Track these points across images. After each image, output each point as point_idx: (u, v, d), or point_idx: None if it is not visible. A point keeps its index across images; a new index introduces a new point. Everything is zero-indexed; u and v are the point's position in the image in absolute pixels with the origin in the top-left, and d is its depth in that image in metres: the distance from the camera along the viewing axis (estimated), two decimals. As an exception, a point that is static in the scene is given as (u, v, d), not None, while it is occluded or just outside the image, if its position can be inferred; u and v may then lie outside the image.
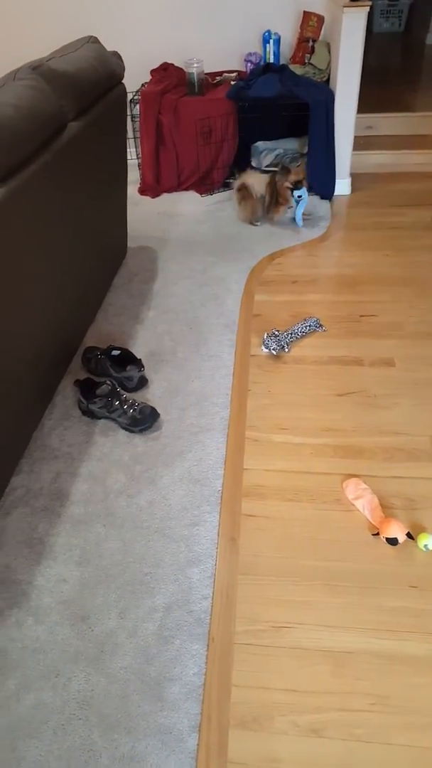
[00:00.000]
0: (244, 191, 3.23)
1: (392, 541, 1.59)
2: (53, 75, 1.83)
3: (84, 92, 1.98)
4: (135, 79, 3.72)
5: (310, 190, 3.45)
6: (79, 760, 1.22)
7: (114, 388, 2.01)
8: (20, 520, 1.71)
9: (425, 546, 1.57)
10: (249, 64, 3.65)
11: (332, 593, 1.50)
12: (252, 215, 3.26)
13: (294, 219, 3.24)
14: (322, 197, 3.51)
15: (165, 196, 3.71)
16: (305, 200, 3.15)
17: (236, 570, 1.56)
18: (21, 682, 1.35)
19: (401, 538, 1.58)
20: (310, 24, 3.51)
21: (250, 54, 3.65)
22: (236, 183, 3.31)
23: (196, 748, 1.23)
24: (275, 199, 3.18)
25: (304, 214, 3.25)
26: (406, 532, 1.58)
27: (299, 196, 3.12)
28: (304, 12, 3.48)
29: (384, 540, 1.60)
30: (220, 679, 1.34)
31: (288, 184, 3.10)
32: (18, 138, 1.54)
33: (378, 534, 1.61)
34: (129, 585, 1.53)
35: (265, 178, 3.22)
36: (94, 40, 2.27)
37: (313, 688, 1.33)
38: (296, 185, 3.10)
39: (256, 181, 3.22)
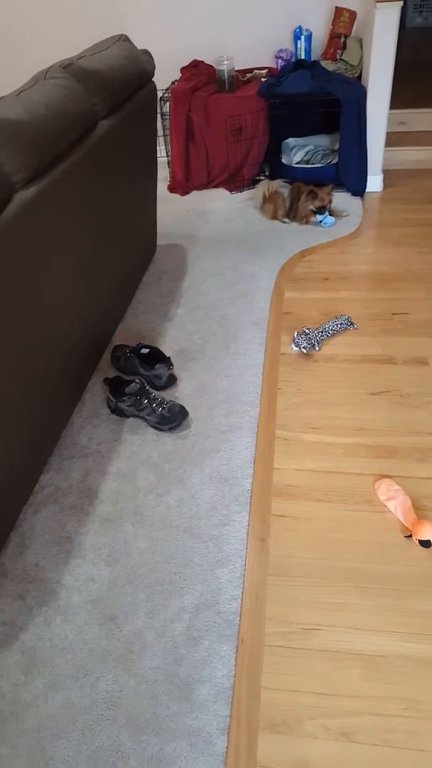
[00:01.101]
0: (263, 198, 3.26)
1: (425, 544, 1.55)
2: (84, 73, 1.83)
3: (115, 90, 1.98)
4: (165, 76, 3.72)
5: (340, 186, 3.42)
6: (107, 761, 1.21)
7: (143, 386, 2.01)
8: (49, 518, 1.72)
9: (460, 549, 1.52)
10: (280, 61, 3.62)
11: (364, 595, 1.47)
12: (273, 217, 3.25)
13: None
14: (354, 194, 3.46)
15: (194, 193, 3.71)
16: (327, 223, 3.15)
17: (266, 571, 1.54)
18: (49, 681, 1.35)
19: (435, 540, 1.54)
20: (342, 20, 3.46)
21: (281, 50, 3.62)
22: (257, 194, 3.31)
23: (225, 750, 1.21)
24: (295, 211, 3.19)
25: (338, 213, 3.22)
26: (440, 534, 1.54)
27: (320, 221, 3.14)
28: (336, 7, 3.43)
29: (417, 542, 1.56)
30: (249, 681, 1.32)
31: (312, 208, 3.11)
32: (49, 137, 1.55)
33: (411, 536, 1.58)
34: (158, 585, 1.52)
35: (285, 188, 3.23)
36: (124, 39, 2.27)
37: (344, 691, 1.30)
38: (320, 210, 3.11)
39: (273, 188, 3.24)
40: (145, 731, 1.25)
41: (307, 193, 3.14)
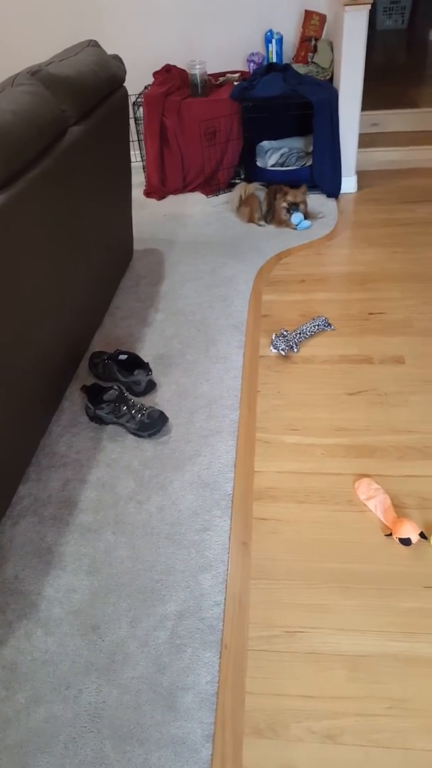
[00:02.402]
0: (240, 200, 3.28)
1: (405, 542, 1.55)
2: (53, 80, 1.82)
3: (85, 96, 1.97)
4: (138, 81, 3.72)
5: (315, 188, 3.44)
6: (91, 772, 1.20)
7: (121, 392, 1.99)
8: (28, 529, 1.70)
9: (441, 547, 1.53)
10: (252, 64, 3.63)
11: (346, 596, 1.47)
12: (249, 220, 3.26)
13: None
14: (329, 195, 3.48)
15: (171, 198, 3.70)
16: (303, 226, 3.16)
17: (248, 575, 1.54)
18: (31, 695, 1.33)
19: (414, 538, 1.54)
20: (312, 23, 3.48)
21: (252, 54, 3.63)
22: (234, 197, 3.32)
23: (210, 758, 1.21)
24: (272, 213, 3.20)
25: (313, 215, 3.24)
26: (420, 532, 1.55)
27: (296, 225, 3.17)
28: (306, 11, 3.45)
29: (397, 540, 1.56)
30: (233, 687, 1.32)
31: (284, 205, 3.12)
32: (18, 144, 1.53)
33: (391, 534, 1.58)
34: (140, 593, 1.51)
35: (262, 191, 3.25)
36: (94, 44, 2.27)
37: (328, 693, 1.30)
38: (291, 206, 3.12)
39: (249, 190, 3.25)
40: (129, 742, 1.24)
41: (281, 193, 3.16)
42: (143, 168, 3.73)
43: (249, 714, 1.27)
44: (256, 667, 1.35)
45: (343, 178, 3.47)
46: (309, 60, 3.51)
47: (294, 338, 2.28)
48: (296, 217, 3.15)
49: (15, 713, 1.30)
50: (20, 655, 1.40)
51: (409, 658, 1.34)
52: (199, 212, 3.49)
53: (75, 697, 1.31)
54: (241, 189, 3.30)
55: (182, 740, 1.23)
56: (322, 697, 1.29)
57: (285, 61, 3.60)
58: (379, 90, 4.22)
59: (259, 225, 3.25)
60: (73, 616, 1.47)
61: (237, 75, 3.63)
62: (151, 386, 2.17)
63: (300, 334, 2.31)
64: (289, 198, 3.14)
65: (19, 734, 1.26)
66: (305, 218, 3.17)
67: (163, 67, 3.66)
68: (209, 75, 3.60)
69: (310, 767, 1.19)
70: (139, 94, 3.56)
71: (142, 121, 3.52)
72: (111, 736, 1.25)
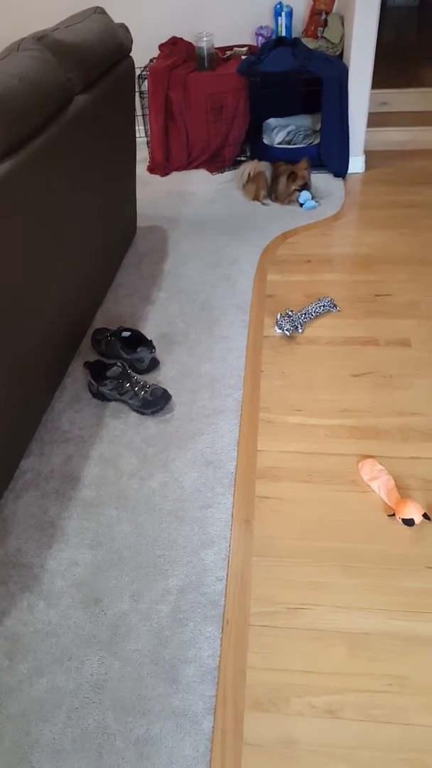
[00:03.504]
0: (248, 177, 3.24)
1: (408, 522, 1.55)
2: (59, 46, 1.78)
3: (91, 64, 1.93)
4: (143, 54, 3.63)
5: (322, 167, 3.39)
6: (93, 743, 1.21)
7: (125, 369, 1.98)
8: (31, 503, 1.69)
9: (443, 528, 1.54)
10: (260, 38, 3.56)
11: (348, 574, 1.48)
12: (255, 198, 3.23)
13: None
14: (336, 175, 3.44)
15: (175, 174, 3.65)
16: (309, 206, 3.12)
17: (251, 552, 1.54)
18: (33, 666, 1.33)
19: (417, 519, 1.54)
20: (323, -4, 3.41)
21: (261, 27, 3.56)
22: (242, 173, 3.28)
23: (212, 730, 1.22)
24: (276, 191, 3.17)
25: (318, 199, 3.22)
26: (423, 513, 1.55)
27: (301, 204, 3.13)
28: (317, -17, 3.38)
29: (400, 521, 1.57)
30: (235, 661, 1.32)
31: (295, 187, 3.09)
32: (24, 110, 1.50)
33: (394, 515, 1.58)
34: (142, 567, 1.51)
35: (268, 167, 3.20)
36: (100, 11, 2.21)
37: (329, 669, 1.30)
38: (303, 187, 3.11)
39: (258, 168, 3.21)
40: (131, 713, 1.25)
41: (287, 176, 3.12)
42: (147, 143, 3.68)
43: (250, 688, 1.28)
44: (258, 643, 1.36)
45: (350, 158, 3.42)
46: (319, 35, 3.44)
47: (299, 319, 2.26)
48: (304, 195, 3.11)
49: (17, 683, 1.30)
50: (23, 627, 1.40)
51: (410, 637, 1.35)
52: (203, 190, 3.45)
53: (77, 669, 1.32)
54: (249, 165, 3.25)
55: (184, 712, 1.24)
56: (323, 673, 1.30)
57: (294, 35, 3.53)
58: (389, 68, 4.15)
59: (264, 203, 3.22)
60: (75, 589, 1.47)
61: (245, 49, 3.56)
62: (155, 364, 2.15)
63: (305, 314, 2.29)
64: (299, 181, 3.10)
65: (22, 704, 1.27)
66: (312, 198, 3.13)
67: (169, 40, 3.59)
68: (216, 48, 3.53)
69: (310, 741, 1.20)
70: (144, 67, 3.49)
71: (146, 95, 3.46)
72: (113, 707, 1.26)
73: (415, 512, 1.54)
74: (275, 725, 1.23)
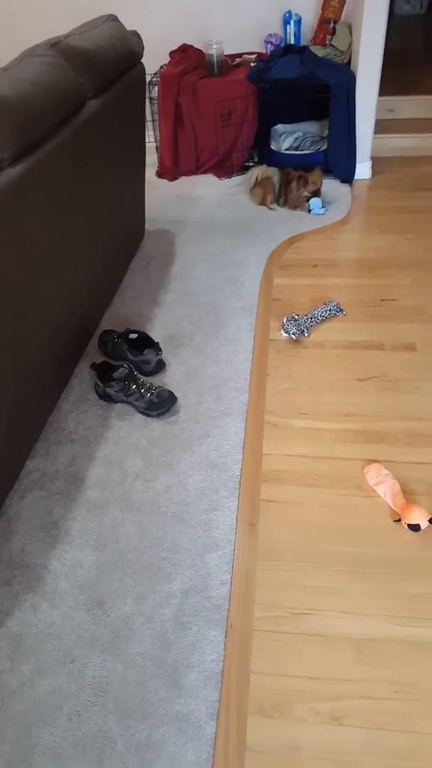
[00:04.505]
0: (255, 182, 3.24)
1: (414, 528, 1.54)
2: (72, 52, 1.79)
3: (103, 70, 1.94)
4: (154, 60, 3.65)
5: (329, 173, 3.40)
6: (94, 746, 1.19)
7: (131, 371, 1.98)
8: (35, 503, 1.69)
9: (450, 534, 1.52)
10: (269, 46, 3.57)
11: (354, 579, 1.46)
12: (261, 202, 3.23)
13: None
14: (343, 181, 3.44)
15: (183, 179, 3.66)
16: (317, 212, 3.13)
17: (255, 555, 1.53)
18: (36, 667, 1.33)
19: (423, 524, 1.53)
20: (332, 5, 3.43)
21: (270, 35, 3.58)
22: (250, 177, 3.28)
23: (214, 735, 1.20)
24: (285, 196, 3.17)
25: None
26: (429, 518, 1.54)
27: (309, 210, 3.13)
28: (326, -9, 3.39)
29: (406, 526, 1.55)
30: (238, 666, 1.31)
31: (306, 194, 3.09)
32: (36, 114, 1.51)
33: (400, 520, 1.57)
34: (146, 570, 1.51)
35: (276, 172, 3.21)
36: (113, 18, 2.23)
37: (334, 675, 1.29)
38: (314, 194, 3.12)
39: (266, 173, 3.21)
40: (133, 717, 1.24)
41: (297, 179, 3.12)
42: (156, 148, 3.70)
43: (254, 693, 1.27)
44: (262, 647, 1.35)
45: (357, 164, 3.43)
46: (327, 42, 3.46)
47: (305, 323, 2.26)
48: (315, 202, 3.11)
49: (19, 684, 1.30)
50: (25, 628, 1.39)
51: (416, 643, 1.33)
52: (211, 194, 3.45)
53: (79, 671, 1.31)
54: (257, 171, 3.26)
55: (186, 717, 1.23)
56: (328, 679, 1.29)
57: (303, 43, 3.55)
58: (396, 75, 4.16)
59: (270, 208, 3.22)
60: (79, 591, 1.47)
61: (254, 56, 3.58)
62: (161, 366, 2.15)
63: (311, 318, 2.29)
64: (311, 187, 3.10)
65: (23, 705, 1.26)
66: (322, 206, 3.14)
67: (179, 47, 3.61)
68: (226, 56, 3.55)
69: (313, 748, 1.19)
70: (155, 74, 3.51)
71: (156, 101, 3.48)
72: (115, 711, 1.25)
73: (420, 517, 1.53)
74: (279, 731, 1.21)
